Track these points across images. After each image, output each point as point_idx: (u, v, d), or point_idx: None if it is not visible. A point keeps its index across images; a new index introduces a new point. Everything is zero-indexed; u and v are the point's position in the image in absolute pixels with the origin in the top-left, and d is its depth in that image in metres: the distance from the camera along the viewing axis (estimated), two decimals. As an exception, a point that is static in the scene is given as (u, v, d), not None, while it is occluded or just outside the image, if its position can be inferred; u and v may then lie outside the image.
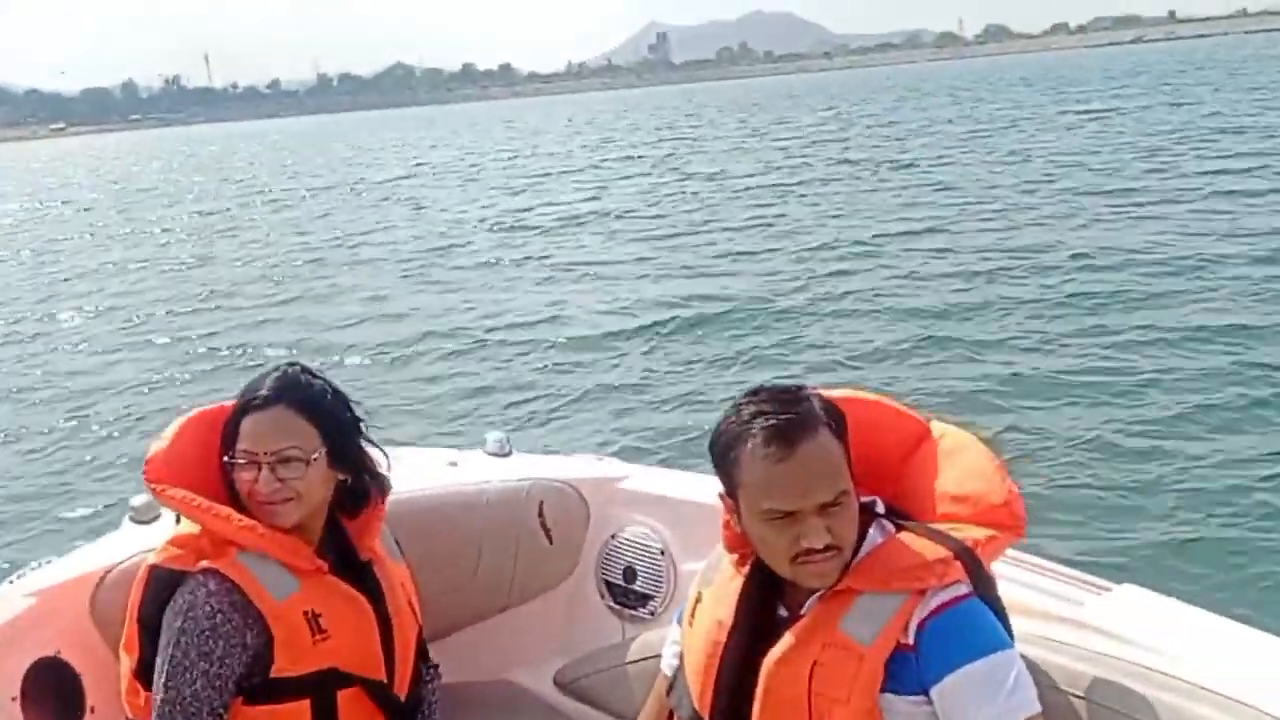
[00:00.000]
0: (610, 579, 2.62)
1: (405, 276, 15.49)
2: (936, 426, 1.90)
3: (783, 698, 1.66)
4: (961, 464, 1.82)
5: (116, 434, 8.82)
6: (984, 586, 1.67)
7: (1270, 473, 6.41)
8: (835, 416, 1.68)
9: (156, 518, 2.41)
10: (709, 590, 1.83)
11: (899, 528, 1.74)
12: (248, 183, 36.56)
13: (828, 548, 1.62)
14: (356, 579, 2.02)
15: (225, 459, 1.97)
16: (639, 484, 2.70)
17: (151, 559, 2.00)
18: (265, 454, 1.94)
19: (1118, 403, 7.80)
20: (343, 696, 1.97)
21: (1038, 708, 1.61)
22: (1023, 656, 1.67)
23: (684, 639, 1.85)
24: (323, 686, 1.94)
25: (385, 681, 2.03)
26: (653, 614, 2.53)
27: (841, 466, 1.65)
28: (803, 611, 1.69)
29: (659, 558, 2.54)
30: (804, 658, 1.65)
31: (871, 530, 1.72)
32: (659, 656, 2.03)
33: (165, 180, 40.12)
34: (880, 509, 1.77)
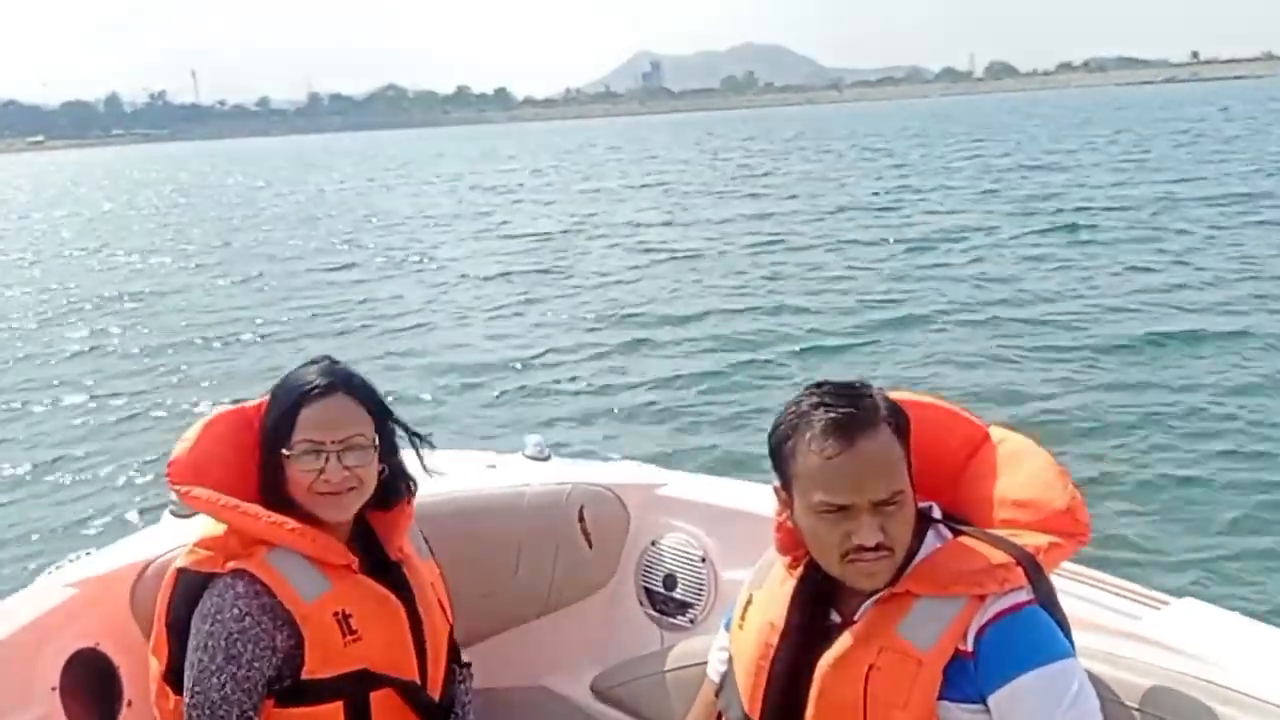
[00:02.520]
0: (650, 586, 2.66)
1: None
2: (996, 431, 1.91)
3: (837, 701, 1.67)
4: (1023, 469, 1.83)
5: (157, 430, 9.26)
6: (1045, 594, 1.68)
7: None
8: (898, 416, 1.70)
9: (196, 512, 2.48)
10: (760, 593, 1.86)
11: (957, 533, 1.75)
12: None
13: (879, 546, 1.64)
14: (386, 578, 2.04)
15: (283, 452, 1.97)
16: (680, 490, 2.74)
17: (178, 562, 2.02)
18: (332, 442, 1.96)
19: (1172, 416, 8.31)
20: (375, 698, 1.98)
21: (1099, 718, 1.61)
22: (1088, 672, 1.68)
23: (734, 642, 1.87)
24: (355, 688, 1.95)
25: (418, 682, 2.04)
26: (692, 622, 2.57)
27: (900, 466, 1.67)
28: (856, 617, 1.70)
29: (699, 565, 2.58)
30: (860, 661, 1.66)
31: (929, 536, 1.73)
32: (698, 665, 2.05)
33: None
34: (937, 514, 1.79)
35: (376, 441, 2.03)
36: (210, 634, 1.91)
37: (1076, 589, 2.02)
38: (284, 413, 2.00)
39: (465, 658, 2.28)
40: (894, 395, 1.81)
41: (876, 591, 1.69)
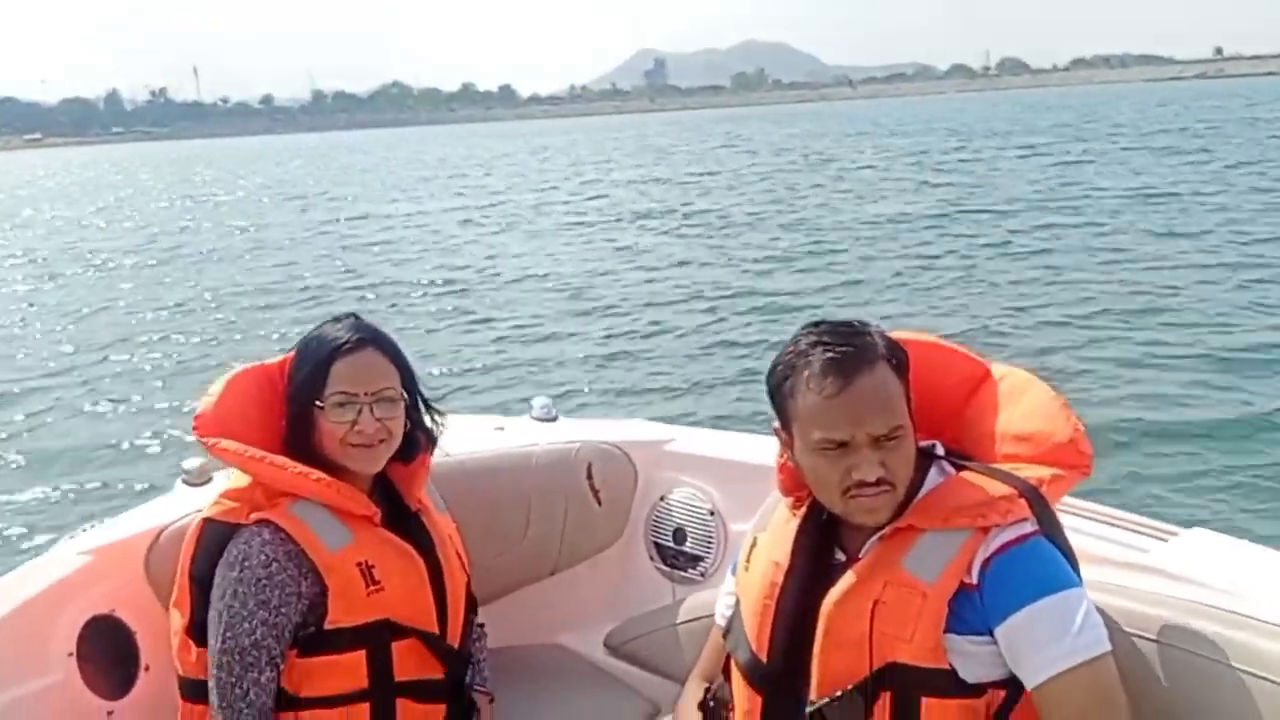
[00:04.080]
0: (660, 541, 2.73)
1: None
2: (997, 368, 1.95)
3: (844, 637, 1.70)
4: (1024, 403, 1.86)
5: (169, 402, 9.77)
6: (1050, 525, 1.71)
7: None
8: (897, 353, 1.74)
9: (208, 480, 2.51)
10: (764, 535, 1.90)
11: (959, 468, 1.78)
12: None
13: (880, 481, 1.67)
14: (405, 530, 2.11)
15: (316, 405, 2.04)
16: (687, 445, 2.80)
17: (204, 513, 2.10)
18: (365, 394, 2.04)
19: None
20: (397, 648, 2.05)
21: (1108, 646, 1.63)
22: (1098, 605, 1.70)
23: (739, 584, 1.92)
24: (377, 638, 2.02)
25: (437, 633, 2.11)
26: (703, 575, 2.64)
27: (899, 401, 1.71)
28: (861, 554, 1.74)
29: (709, 519, 2.65)
30: (865, 596, 1.69)
31: (931, 472, 1.78)
32: (710, 617, 2.11)
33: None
34: (940, 452, 1.83)
35: (404, 395, 2.11)
36: (239, 579, 1.98)
37: (1083, 524, 2.07)
38: (316, 366, 2.07)
39: (479, 617, 2.34)
40: (893, 334, 1.85)
41: (880, 529, 1.73)
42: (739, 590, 1.92)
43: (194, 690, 2.08)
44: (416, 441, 2.19)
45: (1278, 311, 10.60)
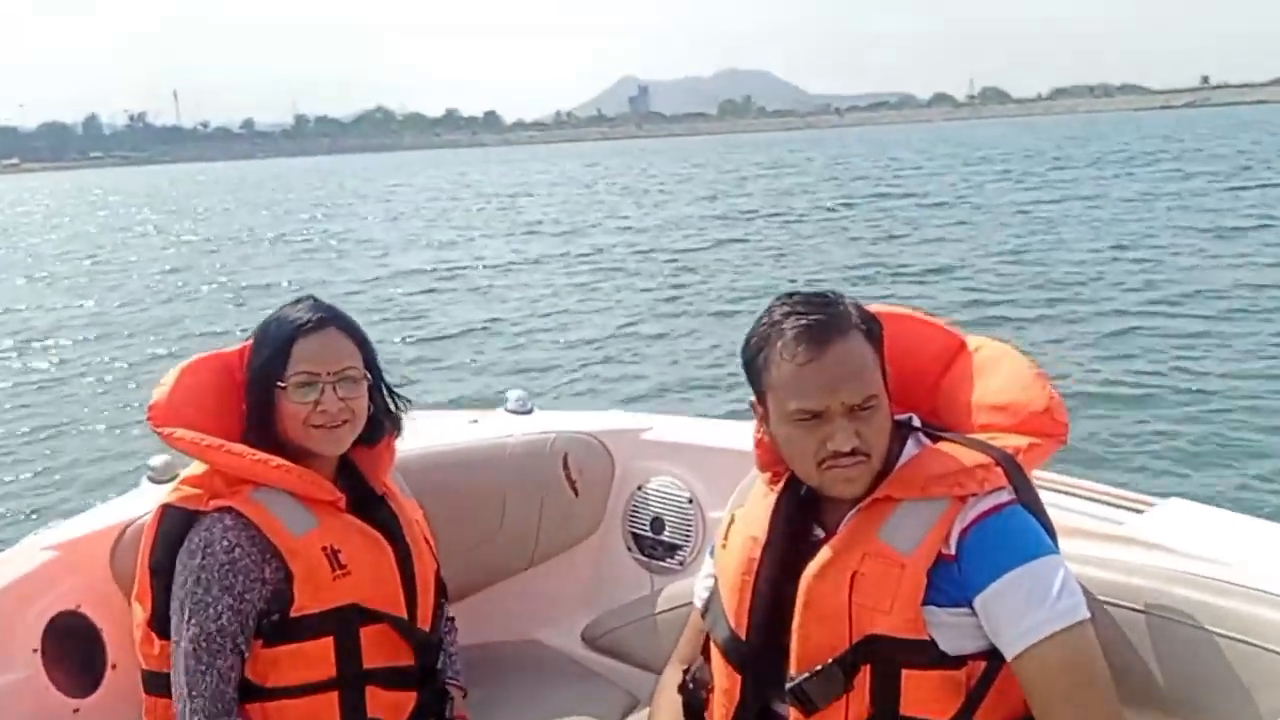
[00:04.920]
0: (637, 531, 2.72)
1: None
2: (973, 340, 1.96)
3: (823, 610, 1.70)
4: (1000, 373, 1.87)
5: (134, 402, 9.90)
6: (1027, 494, 1.72)
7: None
8: (871, 323, 1.75)
9: (174, 477, 2.44)
10: (741, 511, 1.90)
11: (936, 439, 1.79)
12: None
13: (855, 451, 1.68)
14: (371, 515, 2.10)
15: (277, 386, 2.03)
16: (664, 434, 2.79)
17: (163, 499, 2.07)
18: (328, 373, 2.03)
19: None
20: (366, 634, 2.02)
21: (1086, 614, 1.64)
22: (1077, 576, 1.70)
23: (718, 561, 1.91)
24: (345, 623, 2.00)
25: (406, 618, 2.09)
26: (681, 564, 2.63)
27: (873, 371, 1.71)
28: (839, 528, 1.74)
29: (687, 507, 2.64)
30: (844, 568, 1.70)
31: (908, 444, 1.78)
32: (689, 605, 2.09)
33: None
34: (917, 424, 1.83)
35: (368, 375, 2.10)
36: (202, 566, 1.96)
37: (1059, 499, 2.07)
38: (278, 347, 2.06)
39: (452, 613, 2.33)
40: (870, 308, 1.85)
41: (858, 502, 1.73)
42: (717, 568, 1.92)
43: (157, 684, 2.05)
44: (380, 424, 2.17)
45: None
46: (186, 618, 1.95)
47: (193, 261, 23.63)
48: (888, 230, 20.31)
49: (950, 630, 1.67)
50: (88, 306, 17.40)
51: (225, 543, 1.96)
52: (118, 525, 2.33)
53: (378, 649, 2.05)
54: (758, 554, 1.81)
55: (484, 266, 19.38)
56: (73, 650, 2.25)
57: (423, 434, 2.33)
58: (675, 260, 18.67)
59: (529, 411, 2.93)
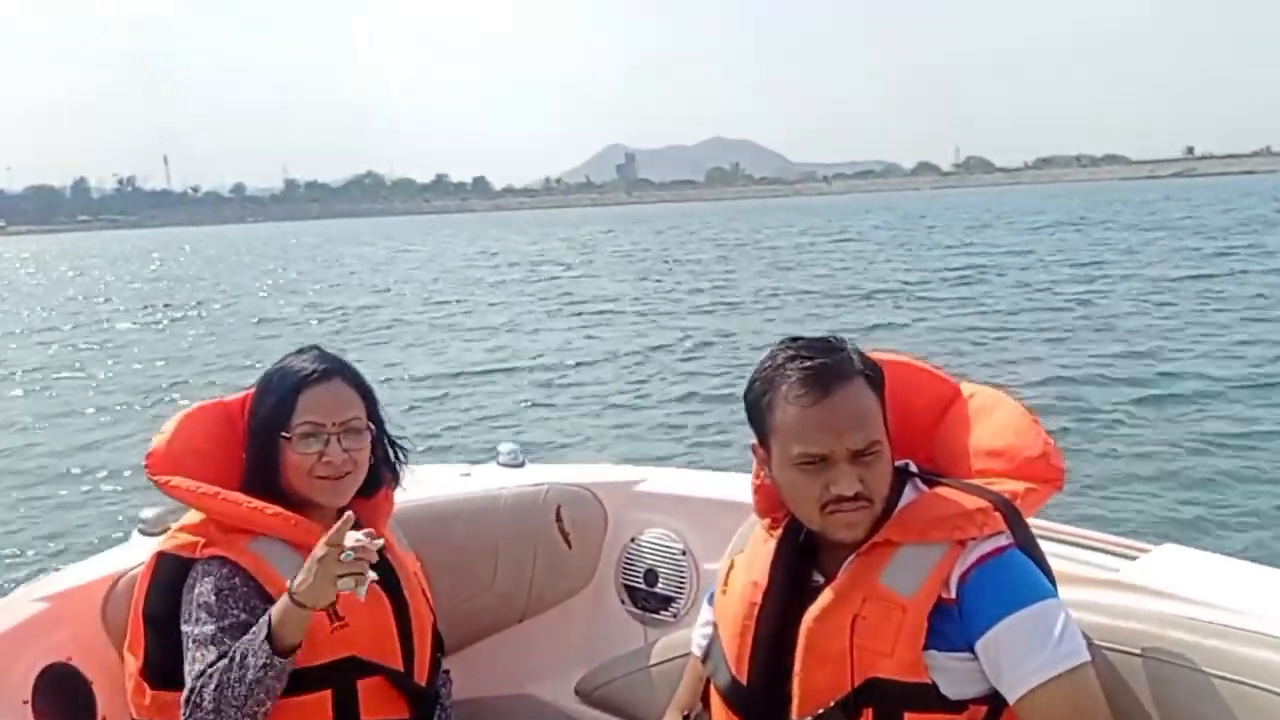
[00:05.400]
0: (631, 583, 2.71)
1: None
2: (966, 387, 1.98)
3: (824, 654, 1.71)
4: (995, 420, 1.89)
5: (125, 455, 10.00)
6: (1025, 538, 1.74)
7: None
8: (873, 369, 1.77)
9: (165, 530, 2.43)
10: (741, 557, 1.91)
11: (934, 485, 1.81)
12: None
13: (858, 496, 1.69)
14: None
15: (282, 436, 2.03)
16: (657, 486, 2.80)
17: (159, 547, 2.07)
18: (333, 424, 2.04)
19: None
20: (363, 686, 2.01)
21: (1087, 657, 1.65)
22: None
23: (718, 608, 1.92)
24: (343, 676, 1.99)
25: (404, 670, 2.08)
26: (675, 616, 2.62)
27: (875, 416, 1.73)
28: (839, 573, 1.75)
29: (680, 558, 2.64)
30: (845, 612, 1.70)
31: (906, 489, 1.80)
32: (684, 656, 2.10)
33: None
34: (914, 469, 1.85)
35: (371, 427, 2.12)
36: (207, 591, 1.96)
37: (1055, 548, 2.08)
38: (283, 397, 2.07)
39: (446, 666, 2.31)
40: (869, 354, 1.86)
41: (857, 547, 1.74)
42: (717, 614, 1.92)
43: None
44: (380, 476, 2.19)
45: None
46: (207, 615, 1.94)
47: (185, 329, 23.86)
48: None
49: (951, 674, 1.67)
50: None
51: (225, 571, 1.97)
52: (109, 576, 2.32)
53: (375, 702, 2.03)
54: (759, 599, 1.81)
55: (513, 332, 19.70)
56: (63, 702, 2.22)
57: (415, 487, 2.34)
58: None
59: (521, 464, 2.93)
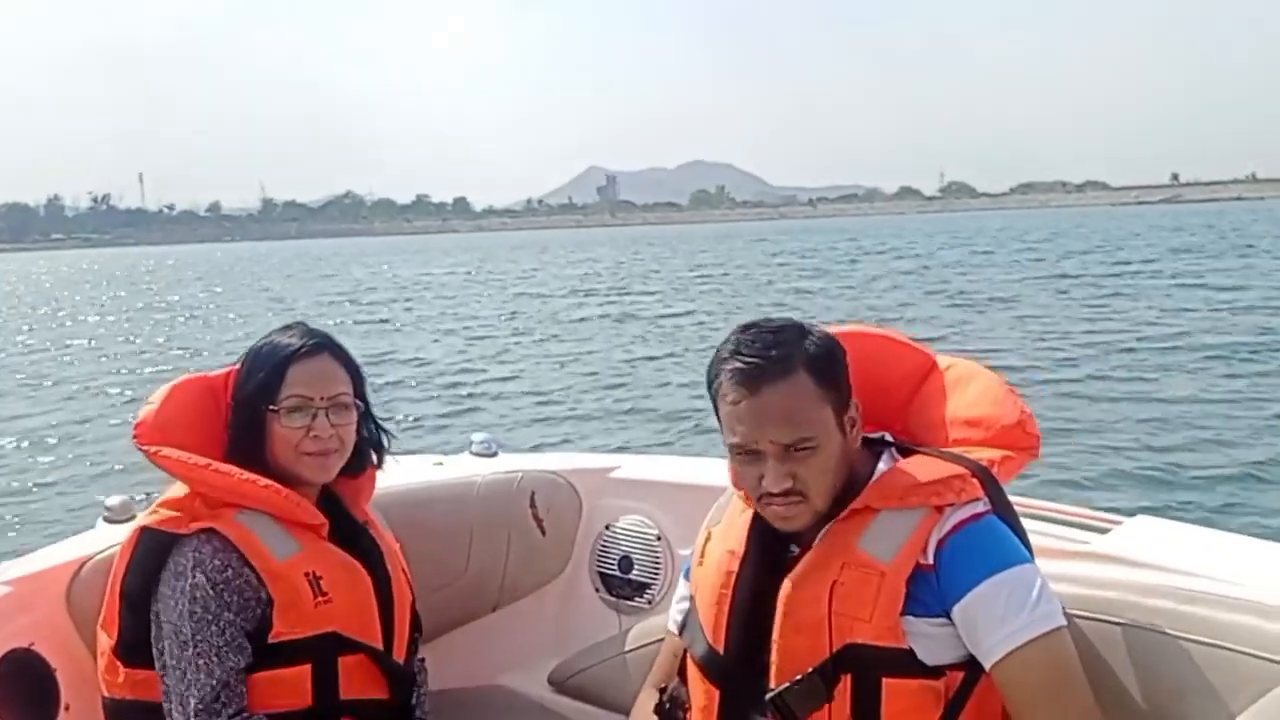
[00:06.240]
0: (605, 570, 2.72)
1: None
2: (943, 358, 2.01)
3: (802, 621, 1.72)
4: (971, 389, 1.92)
5: (90, 446, 10.16)
6: (1002, 505, 1.77)
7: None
8: (825, 361, 1.76)
9: (131, 517, 2.45)
10: (718, 528, 1.93)
11: (910, 454, 1.83)
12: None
13: (788, 493, 1.72)
14: (351, 544, 2.10)
15: (269, 409, 2.03)
16: (631, 472, 2.81)
17: (140, 521, 2.05)
18: (321, 398, 2.05)
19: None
20: (344, 663, 2.01)
21: (1063, 621, 1.68)
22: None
23: (694, 578, 1.94)
24: (323, 651, 1.99)
25: (383, 649, 2.08)
26: (650, 603, 2.63)
27: (811, 412, 1.72)
28: (816, 541, 1.77)
29: (655, 545, 2.65)
30: (823, 578, 1.72)
31: (882, 459, 1.82)
32: (658, 643, 2.11)
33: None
34: (890, 440, 1.88)
35: (358, 404, 2.13)
36: (195, 585, 1.94)
37: (1028, 523, 2.09)
38: (271, 370, 2.07)
39: (420, 654, 2.31)
40: (839, 329, 1.90)
41: (832, 517, 1.76)
42: (694, 584, 1.94)
43: (120, 713, 2.04)
44: (365, 454, 2.20)
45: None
46: (192, 634, 1.92)
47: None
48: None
49: (928, 641, 1.69)
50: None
51: (218, 562, 1.95)
52: (74, 561, 2.31)
53: (355, 680, 2.03)
54: (735, 567, 1.84)
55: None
56: (25, 689, 2.20)
57: (387, 476, 2.34)
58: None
59: (494, 454, 2.94)
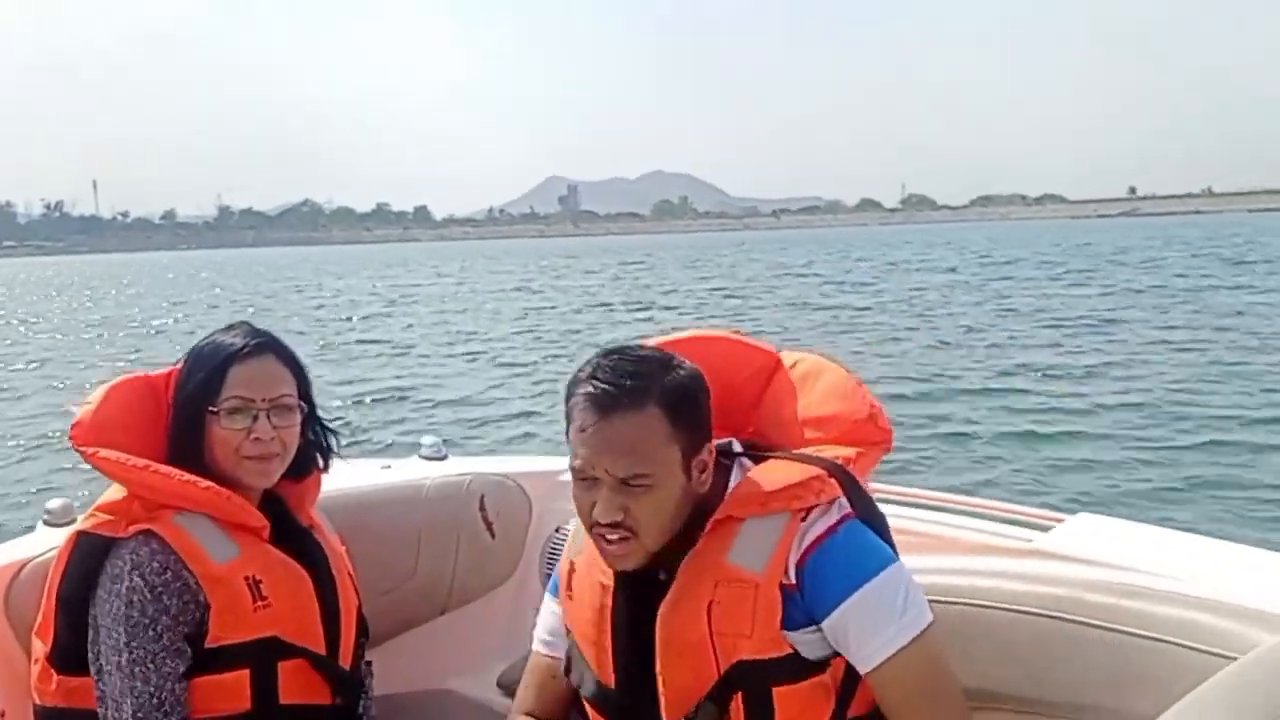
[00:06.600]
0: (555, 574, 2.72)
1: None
2: (788, 355, 1.99)
3: (685, 645, 1.71)
4: (819, 387, 1.90)
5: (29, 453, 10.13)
6: (861, 502, 1.76)
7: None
8: (679, 396, 1.71)
9: (72, 521, 2.43)
10: (580, 558, 1.88)
11: (763, 460, 1.81)
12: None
13: (616, 525, 1.68)
14: (293, 549, 2.07)
15: (209, 410, 2.00)
16: None
17: (76, 526, 2.02)
18: (263, 400, 2.02)
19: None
20: (284, 668, 1.99)
21: (929, 618, 1.70)
22: (984, 587, 1.81)
23: (567, 614, 1.90)
24: (263, 656, 1.96)
25: (327, 655, 2.06)
26: None
27: (655, 449, 1.68)
28: (682, 564, 1.73)
29: None
30: (698, 599, 1.70)
31: (734, 471, 1.79)
32: None
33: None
34: (738, 448, 1.85)
35: (302, 406, 2.10)
36: (132, 589, 1.91)
37: (971, 522, 2.16)
38: (212, 371, 2.03)
39: (367, 658, 2.28)
40: (680, 336, 1.89)
41: (694, 539, 1.73)
42: (569, 621, 1.90)
43: None
44: (310, 457, 2.17)
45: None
46: (125, 641, 1.89)
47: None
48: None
49: (806, 644, 1.70)
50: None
51: (155, 565, 1.92)
52: (11, 565, 2.27)
53: (295, 684, 2.01)
54: (609, 601, 1.80)
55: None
56: None
57: (333, 479, 2.32)
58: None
59: (444, 457, 2.93)
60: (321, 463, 2.22)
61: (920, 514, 2.29)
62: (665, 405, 1.69)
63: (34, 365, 20.28)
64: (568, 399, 1.74)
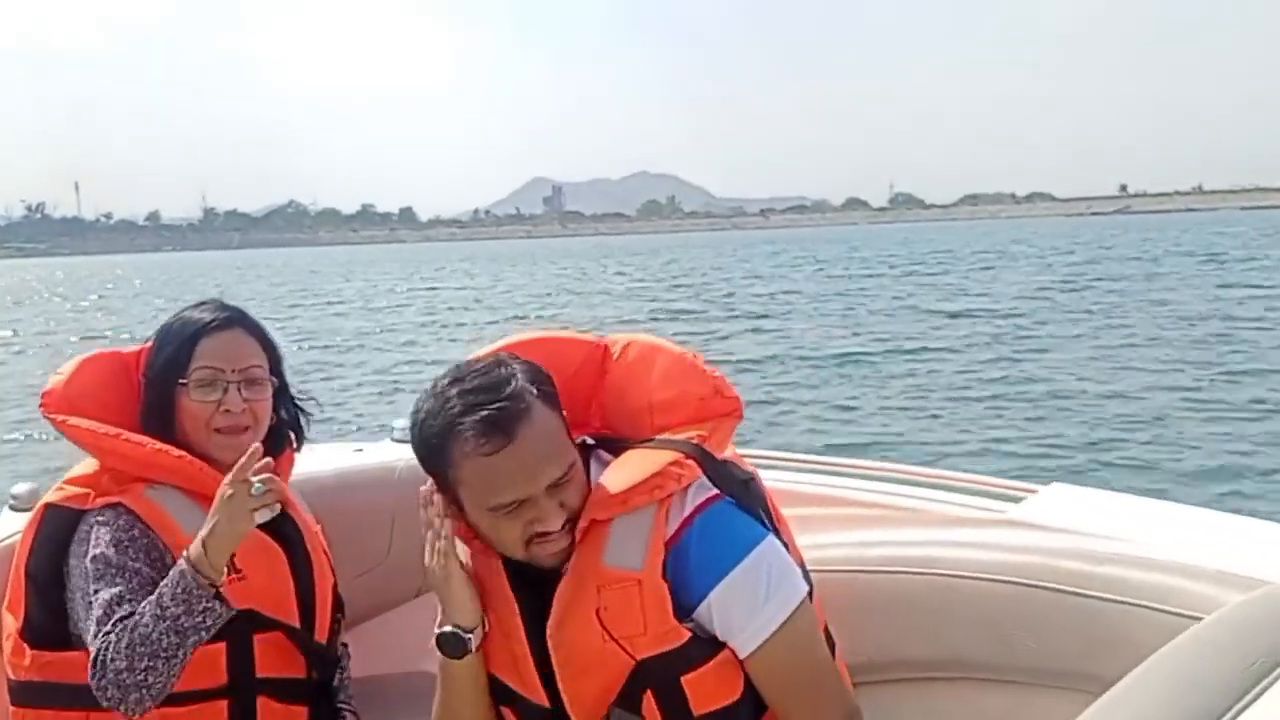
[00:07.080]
0: None
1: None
2: (614, 341, 1.98)
3: (586, 657, 1.72)
4: (656, 370, 1.90)
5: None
6: (723, 479, 1.79)
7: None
8: (543, 384, 1.74)
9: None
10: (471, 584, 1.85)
11: (619, 453, 1.82)
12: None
13: (563, 524, 1.72)
14: (269, 525, 2.04)
15: (179, 383, 2.01)
16: None
17: (45, 499, 2.03)
18: (232, 371, 2.03)
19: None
20: (259, 641, 2.00)
21: (802, 592, 1.74)
22: (955, 558, 1.84)
23: (487, 648, 1.85)
24: (238, 629, 1.97)
25: (302, 628, 2.08)
26: None
27: (561, 437, 1.72)
28: (565, 573, 1.76)
29: None
30: (586, 609, 1.71)
31: (593, 467, 1.81)
32: None
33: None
34: (591, 444, 1.87)
35: (273, 380, 2.11)
36: (98, 540, 1.91)
37: (944, 495, 2.17)
38: (181, 344, 2.05)
39: (343, 640, 2.31)
40: (509, 342, 1.89)
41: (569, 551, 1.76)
42: (487, 651, 1.86)
43: (27, 695, 2.01)
44: (282, 435, 2.18)
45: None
46: (93, 591, 1.88)
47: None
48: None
49: (699, 627, 1.73)
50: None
51: (123, 522, 1.92)
52: None
53: (271, 658, 2.02)
54: (520, 620, 1.80)
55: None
56: None
57: (306, 463, 2.33)
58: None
59: None
60: (295, 441, 2.22)
61: (895, 488, 2.32)
62: (541, 398, 1.71)
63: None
64: (443, 450, 1.70)
